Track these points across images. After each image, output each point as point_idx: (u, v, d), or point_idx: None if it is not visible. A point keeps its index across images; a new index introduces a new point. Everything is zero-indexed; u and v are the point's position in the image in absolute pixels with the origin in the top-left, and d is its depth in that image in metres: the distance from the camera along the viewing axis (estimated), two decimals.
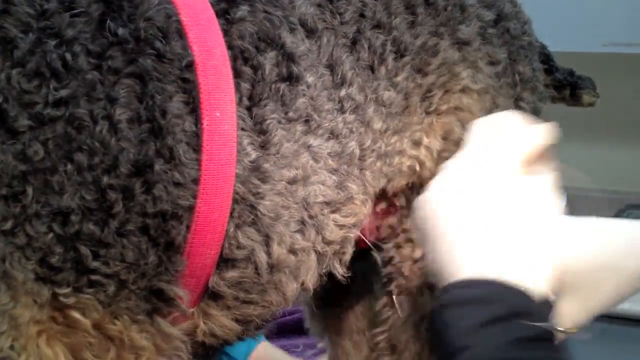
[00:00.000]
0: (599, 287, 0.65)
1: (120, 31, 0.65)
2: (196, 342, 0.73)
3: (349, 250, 0.82)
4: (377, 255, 0.90)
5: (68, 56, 0.62)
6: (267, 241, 0.72)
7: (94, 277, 0.63)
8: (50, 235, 0.61)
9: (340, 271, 0.82)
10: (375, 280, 0.95)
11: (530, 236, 0.65)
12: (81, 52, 0.63)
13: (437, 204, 0.68)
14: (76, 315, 0.63)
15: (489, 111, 0.88)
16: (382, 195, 0.89)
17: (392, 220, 0.89)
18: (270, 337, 1.34)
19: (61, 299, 0.62)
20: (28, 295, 0.61)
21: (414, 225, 0.72)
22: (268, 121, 0.71)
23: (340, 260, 0.82)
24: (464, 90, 0.86)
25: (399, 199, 0.88)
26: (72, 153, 0.61)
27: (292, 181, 0.73)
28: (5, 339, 0.60)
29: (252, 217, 0.71)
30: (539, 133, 0.71)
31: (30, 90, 0.60)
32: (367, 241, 0.89)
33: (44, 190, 0.60)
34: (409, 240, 0.88)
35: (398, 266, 0.89)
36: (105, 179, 0.62)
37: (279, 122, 0.72)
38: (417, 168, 0.86)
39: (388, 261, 0.90)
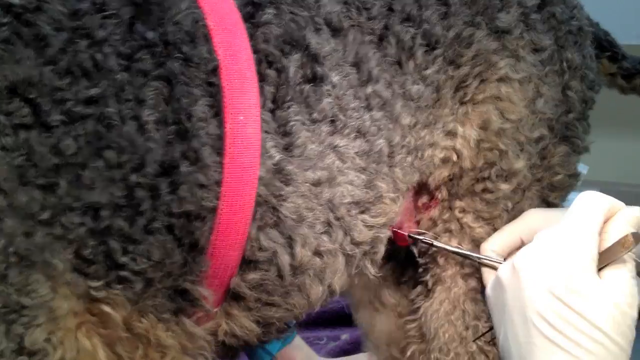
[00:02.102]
0: None
1: (150, 34, 0.66)
2: (217, 341, 0.74)
3: (381, 249, 0.82)
4: (414, 247, 0.90)
5: (99, 56, 0.63)
6: (290, 243, 0.72)
7: (122, 273, 0.64)
8: (84, 228, 0.63)
9: (372, 271, 0.81)
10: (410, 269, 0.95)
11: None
12: (111, 53, 0.64)
13: (525, 288, 0.70)
14: (108, 309, 0.65)
15: (533, 100, 0.86)
16: (423, 189, 0.88)
17: (433, 213, 0.88)
18: None
19: (92, 292, 0.64)
20: (66, 286, 0.62)
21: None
22: (292, 123, 0.71)
23: (372, 260, 0.81)
24: (503, 79, 0.84)
25: (440, 192, 0.87)
26: (101, 150, 0.63)
27: (317, 183, 0.73)
28: (41, 332, 0.61)
29: (275, 219, 0.71)
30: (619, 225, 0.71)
31: (61, 87, 0.62)
32: (408, 239, 0.88)
33: (76, 184, 0.62)
34: (447, 231, 0.88)
35: (434, 256, 0.89)
36: (134, 178, 0.64)
37: (303, 123, 0.72)
38: (455, 158, 0.85)
39: (425, 251, 0.90)
